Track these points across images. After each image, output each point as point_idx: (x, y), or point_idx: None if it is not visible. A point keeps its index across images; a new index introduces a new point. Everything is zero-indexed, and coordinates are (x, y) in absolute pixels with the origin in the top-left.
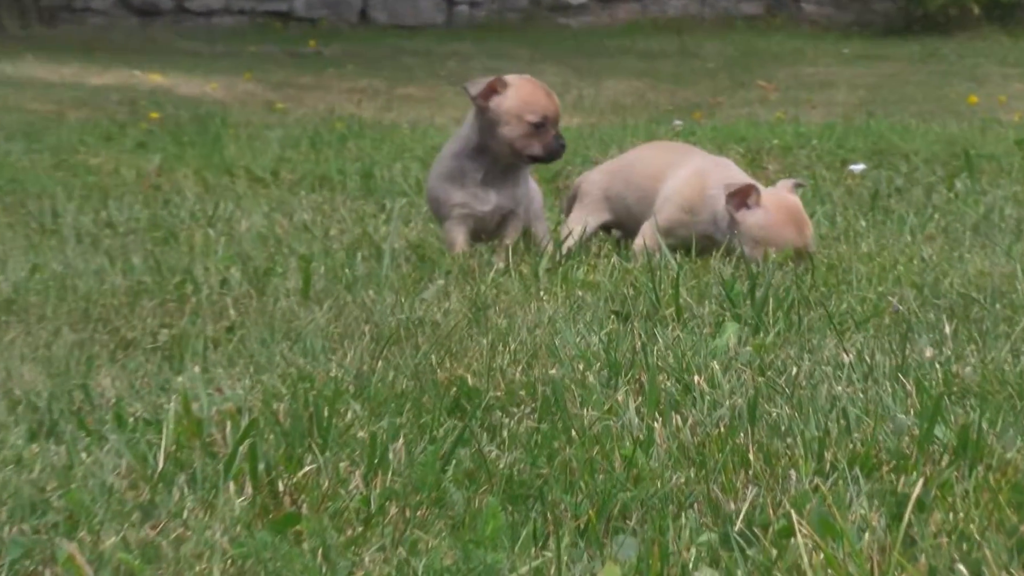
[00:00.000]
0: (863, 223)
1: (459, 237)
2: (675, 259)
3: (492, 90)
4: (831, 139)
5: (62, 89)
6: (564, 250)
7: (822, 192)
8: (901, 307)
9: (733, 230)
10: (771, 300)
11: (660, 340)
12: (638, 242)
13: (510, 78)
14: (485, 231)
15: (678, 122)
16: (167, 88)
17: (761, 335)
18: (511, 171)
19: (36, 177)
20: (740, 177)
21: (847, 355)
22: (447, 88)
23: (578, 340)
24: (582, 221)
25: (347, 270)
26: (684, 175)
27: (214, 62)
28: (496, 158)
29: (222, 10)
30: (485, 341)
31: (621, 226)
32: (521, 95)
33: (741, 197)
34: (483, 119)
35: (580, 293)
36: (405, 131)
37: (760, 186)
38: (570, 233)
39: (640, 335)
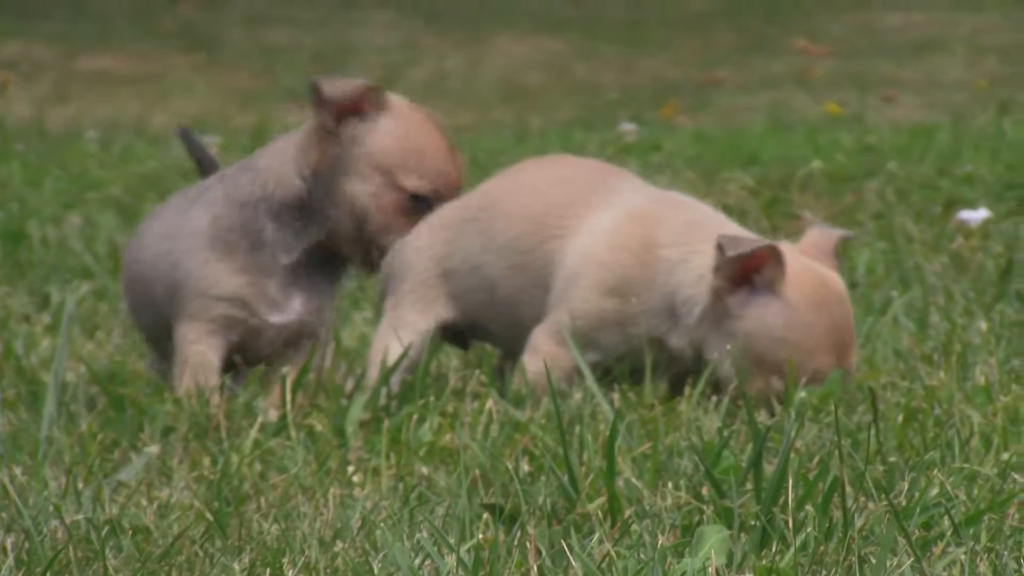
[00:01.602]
0: (982, 324)
1: (208, 358)
2: (608, 397)
3: (357, 104)
4: (927, 159)
5: None
6: (393, 384)
7: (906, 264)
8: None
9: (714, 332)
10: (791, 480)
11: (577, 562)
12: (530, 362)
13: (395, 99)
14: (253, 355)
15: (628, 125)
16: None
17: (772, 550)
18: (334, 261)
19: None
20: (732, 227)
21: None
22: (178, 58)
23: (418, 562)
24: (406, 325)
25: None
26: (608, 223)
27: None
28: (330, 236)
29: None
30: (237, 566)
31: (478, 329)
32: (406, 135)
33: (746, 267)
34: (322, 155)
35: (424, 470)
36: (91, 146)
37: (783, 248)
38: (405, 352)
39: (539, 552)
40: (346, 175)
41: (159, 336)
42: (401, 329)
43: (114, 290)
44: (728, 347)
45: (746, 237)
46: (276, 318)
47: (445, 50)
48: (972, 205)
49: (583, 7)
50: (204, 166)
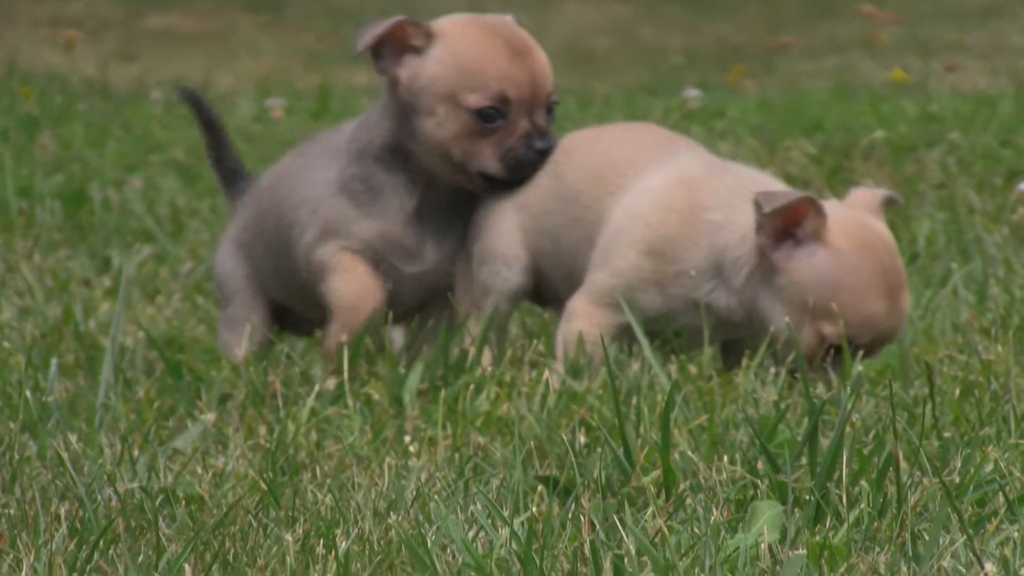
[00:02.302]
0: None
1: (367, 278)
2: (665, 368)
3: (402, 43)
4: (990, 128)
5: None
6: (461, 347)
7: (966, 235)
8: None
9: (763, 289)
10: (846, 455)
11: (629, 536)
12: (563, 329)
13: (443, 22)
14: (397, 306)
15: (692, 91)
16: None
17: (826, 527)
18: (463, 199)
19: None
20: (776, 186)
21: (984, 567)
22: (244, 17)
23: (471, 535)
24: (492, 281)
25: (28, 392)
26: (655, 185)
27: None
28: (432, 174)
29: None
30: (290, 537)
31: (550, 285)
32: (457, 54)
33: (787, 221)
34: (393, 100)
35: (480, 440)
36: (155, 107)
37: (823, 202)
38: (463, 319)
39: (593, 524)
40: (417, 114)
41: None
42: (483, 289)
43: (175, 254)
44: (766, 312)
45: (783, 191)
46: (414, 267)
47: (511, 13)
48: None
49: None
50: (211, 128)
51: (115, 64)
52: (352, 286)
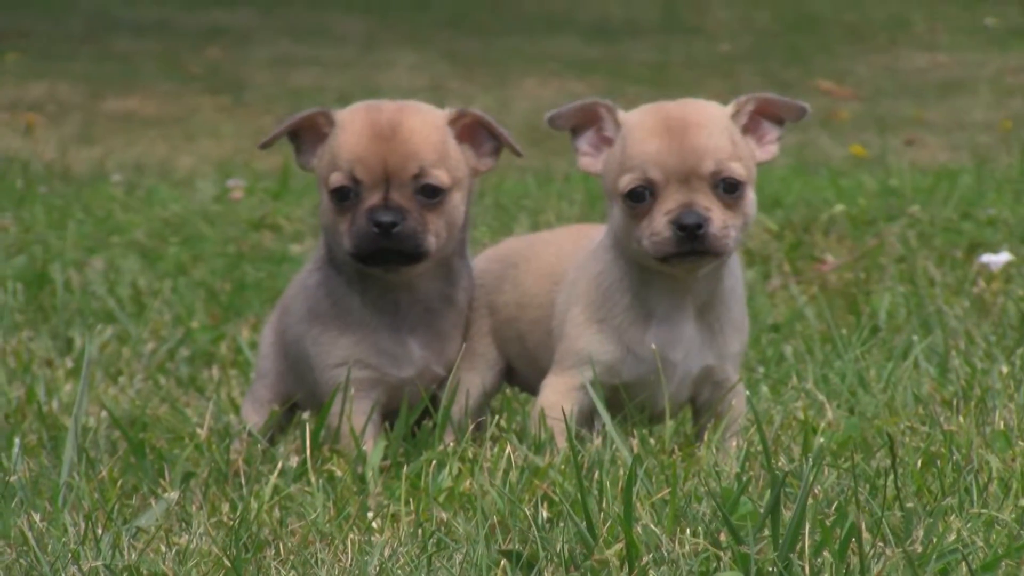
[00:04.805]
0: (1002, 368)
1: (363, 422)
2: (627, 442)
3: (318, 132)
4: (950, 202)
5: None
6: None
7: (927, 308)
8: None
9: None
10: (808, 526)
11: None
12: (538, 405)
13: (344, 109)
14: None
15: None
16: None
17: None
18: (436, 297)
19: None
20: None
21: None
22: (204, 99)
23: None
24: (468, 369)
25: None
26: (578, 260)
27: None
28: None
29: None
30: None
31: (518, 374)
32: (334, 140)
33: (587, 125)
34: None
35: (443, 515)
36: (115, 189)
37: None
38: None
39: None
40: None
41: None
42: (472, 366)
43: (137, 334)
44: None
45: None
46: (402, 370)
47: (471, 93)
48: (994, 248)
49: (609, 49)
50: None
51: (75, 147)
52: (354, 431)
